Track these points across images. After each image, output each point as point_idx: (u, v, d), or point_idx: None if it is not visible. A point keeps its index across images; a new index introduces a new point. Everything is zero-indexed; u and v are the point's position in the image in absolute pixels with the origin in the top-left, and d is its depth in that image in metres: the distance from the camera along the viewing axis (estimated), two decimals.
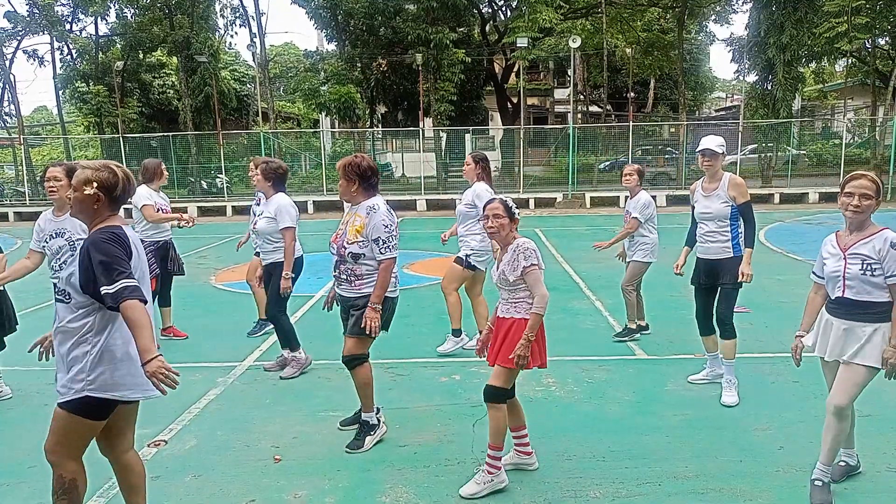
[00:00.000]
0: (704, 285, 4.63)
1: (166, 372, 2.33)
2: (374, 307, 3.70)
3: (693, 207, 4.72)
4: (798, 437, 3.83)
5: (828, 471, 3.14)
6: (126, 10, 26.48)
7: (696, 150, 4.58)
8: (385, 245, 3.70)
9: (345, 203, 3.97)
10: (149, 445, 3.88)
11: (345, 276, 3.80)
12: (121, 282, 2.43)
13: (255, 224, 5.21)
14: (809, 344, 3.31)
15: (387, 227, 3.71)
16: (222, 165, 23.59)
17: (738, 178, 4.55)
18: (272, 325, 5.45)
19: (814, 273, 3.37)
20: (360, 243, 3.71)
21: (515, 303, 3.26)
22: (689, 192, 4.89)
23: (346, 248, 3.74)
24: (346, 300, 3.87)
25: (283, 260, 4.99)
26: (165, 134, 25.22)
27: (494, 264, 3.44)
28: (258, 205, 6.26)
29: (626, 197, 6.15)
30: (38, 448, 3.84)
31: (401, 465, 3.62)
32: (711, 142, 4.47)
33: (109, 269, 2.43)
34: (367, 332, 3.70)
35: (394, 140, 28.59)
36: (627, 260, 5.93)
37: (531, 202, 20.33)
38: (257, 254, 6.11)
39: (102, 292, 2.42)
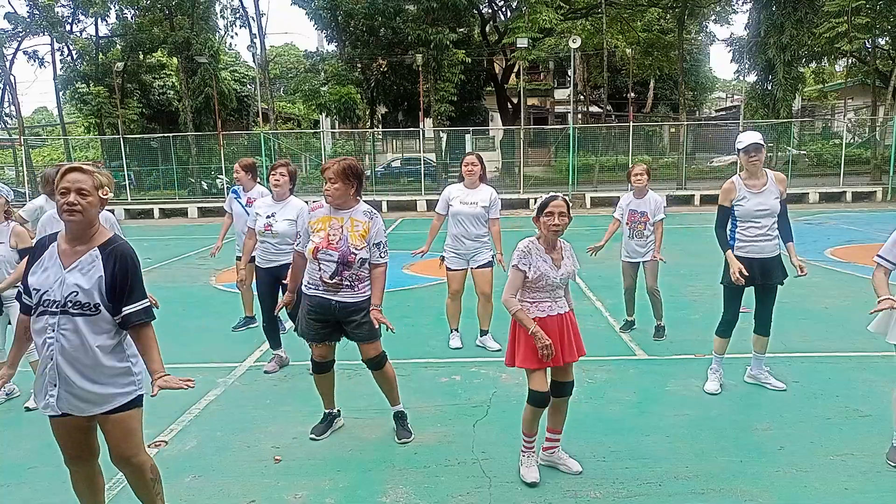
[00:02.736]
0: (756, 285, 4.43)
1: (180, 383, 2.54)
2: (380, 308, 3.80)
3: (726, 208, 4.41)
4: (798, 437, 3.83)
5: None
6: (126, 11, 26.50)
7: (739, 146, 4.31)
8: (385, 249, 3.81)
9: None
10: (149, 446, 3.86)
11: (348, 282, 3.73)
12: (146, 300, 2.60)
13: (268, 226, 5.02)
14: (890, 339, 3.40)
15: (384, 231, 3.82)
16: (223, 166, 23.58)
17: (779, 172, 4.48)
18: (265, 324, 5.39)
19: (881, 257, 3.44)
20: (366, 248, 3.72)
21: (563, 297, 3.42)
22: (723, 191, 4.46)
23: (355, 254, 3.68)
24: (345, 306, 3.75)
25: None
26: (166, 135, 25.23)
27: (535, 263, 3.29)
28: (246, 205, 6.21)
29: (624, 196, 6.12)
30: (39, 449, 3.86)
31: (401, 466, 3.62)
32: (756, 136, 4.27)
33: (141, 284, 2.58)
34: (385, 330, 3.80)
35: (394, 140, 28.63)
36: (638, 260, 5.87)
37: (531, 202, 20.35)
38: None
39: (138, 307, 2.54)
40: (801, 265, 4.38)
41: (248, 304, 6.51)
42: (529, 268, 3.27)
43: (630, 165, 6.19)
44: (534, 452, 3.50)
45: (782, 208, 4.39)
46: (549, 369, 3.41)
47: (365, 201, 3.90)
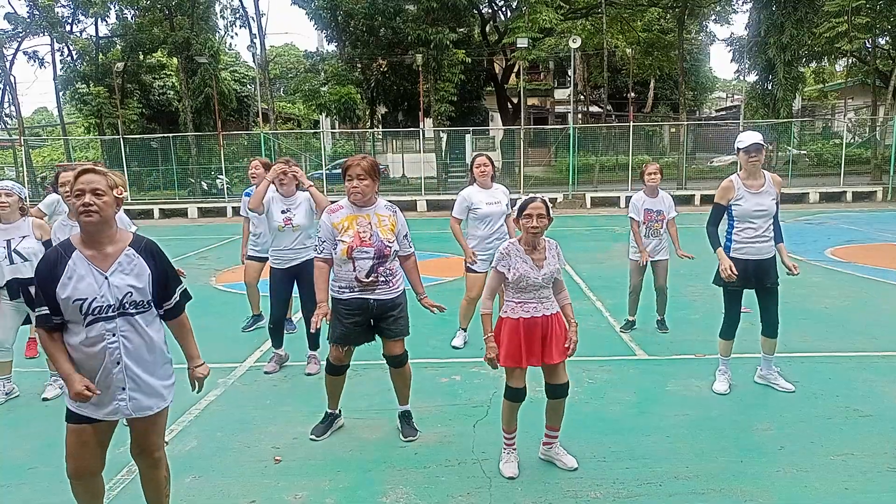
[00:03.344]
0: (751, 287, 4.44)
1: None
2: (426, 295, 3.93)
3: (722, 206, 4.41)
4: (798, 437, 3.83)
5: None
6: (126, 11, 26.50)
7: (740, 146, 4.29)
8: (410, 239, 3.94)
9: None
10: None
11: (383, 278, 3.74)
12: (182, 281, 2.72)
13: (287, 220, 4.95)
14: None
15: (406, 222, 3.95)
16: (222, 166, 23.59)
17: (776, 175, 4.48)
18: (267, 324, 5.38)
19: None
20: (396, 241, 3.78)
21: (552, 298, 3.42)
22: (721, 189, 4.44)
23: (390, 247, 3.72)
24: (383, 303, 3.76)
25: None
26: (166, 135, 25.21)
27: (515, 265, 3.33)
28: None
29: (628, 197, 6.15)
30: (39, 449, 3.86)
31: (401, 466, 3.62)
32: (757, 136, 4.26)
33: (175, 273, 2.69)
34: (434, 311, 3.88)
35: (394, 140, 28.59)
36: (654, 259, 5.93)
37: None
38: (259, 258, 6.13)
39: (181, 289, 2.69)
40: (794, 265, 4.39)
41: (255, 303, 6.50)
42: (509, 269, 3.32)
43: (643, 165, 6.17)
44: (514, 449, 3.54)
45: (777, 210, 4.40)
46: (543, 372, 3.44)
47: None
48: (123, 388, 2.51)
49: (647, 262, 5.88)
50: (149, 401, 2.57)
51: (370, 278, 3.70)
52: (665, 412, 4.27)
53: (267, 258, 5.78)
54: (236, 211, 20.60)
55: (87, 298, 2.42)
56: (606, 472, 3.48)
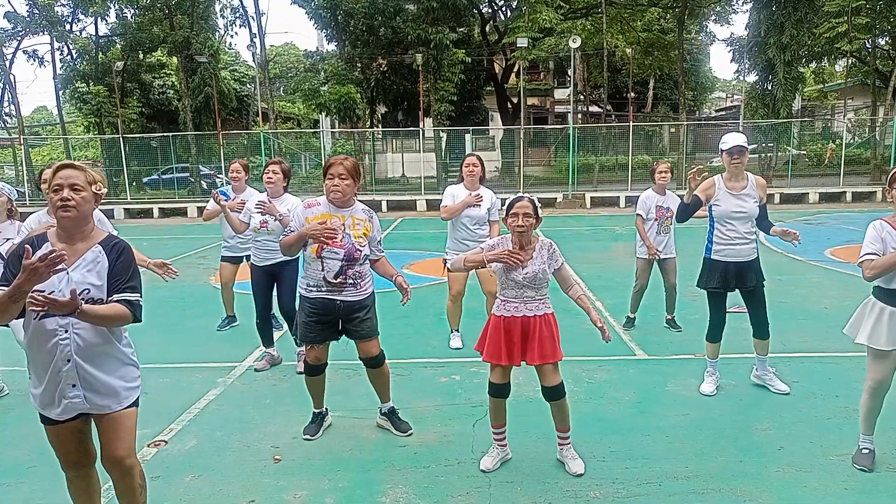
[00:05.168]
0: (731, 289, 4.45)
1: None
2: (401, 276, 3.94)
3: (698, 199, 4.39)
4: (798, 437, 3.83)
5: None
6: (126, 10, 26.47)
7: (723, 147, 4.29)
8: (382, 244, 3.98)
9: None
10: (149, 445, 3.89)
11: (352, 280, 3.74)
12: (140, 296, 2.53)
13: (264, 223, 5.00)
14: (859, 339, 3.36)
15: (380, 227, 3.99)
16: (222, 165, 23.57)
17: (759, 177, 4.48)
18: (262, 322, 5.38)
19: (866, 254, 3.21)
20: (366, 245, 3.80)
21: (542, 299, 3.45)
22: (703, 184, 4.43)
23: (360, 250, 3.73)
24: (350, 305, 3.76)
25: (292, 259, 4.99)
26: (165, 134, 25.23)
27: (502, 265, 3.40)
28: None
29: (630, 196, 6.16)
30: (38, 448, 3.85)
31: (401, 465, 3.62)
32: (741, 138, 4.27)
33: (139, 280, 2.53)
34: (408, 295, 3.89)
35: (394, 140, 28.59)
36: (663, 257, 5.97)
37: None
38: (232, 258, 6.21)
39: (133, 298, 2.47)
40: (787, 230, 4.25)
41: (229, 304, 6.60)
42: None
43: (654, 162, 6.28)
44: (502, 445, 3.59)
45: (762, 212, 4.40)
46: (537, 374, 3.48)
47: (364, 201, 3.93)
48: (74, 385, 2.45)
49: (655, 257, 5.90)
50: (102, 400, 2.50)
51: (338, 280, 3.71)
52: (664, 412, 4.27)
53: (240, 258, 6.15)
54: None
55: (43, 291, 2.35)
56: (606, 472, 3.48)
